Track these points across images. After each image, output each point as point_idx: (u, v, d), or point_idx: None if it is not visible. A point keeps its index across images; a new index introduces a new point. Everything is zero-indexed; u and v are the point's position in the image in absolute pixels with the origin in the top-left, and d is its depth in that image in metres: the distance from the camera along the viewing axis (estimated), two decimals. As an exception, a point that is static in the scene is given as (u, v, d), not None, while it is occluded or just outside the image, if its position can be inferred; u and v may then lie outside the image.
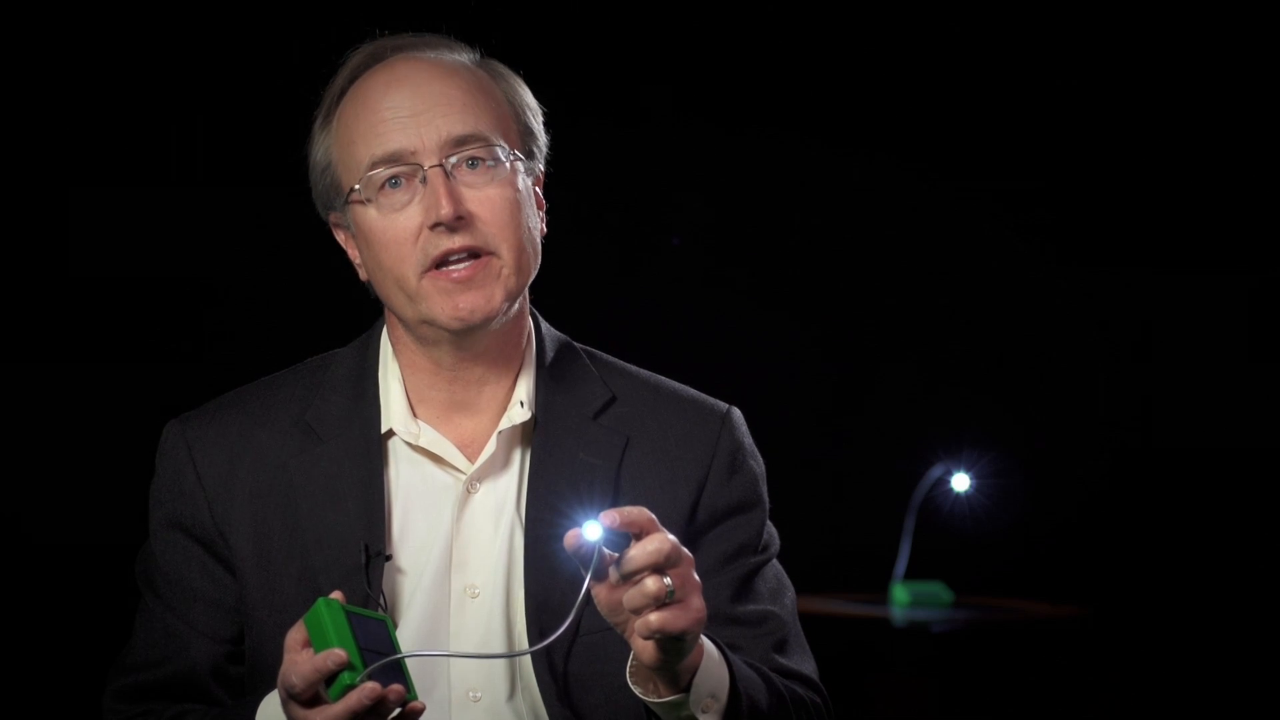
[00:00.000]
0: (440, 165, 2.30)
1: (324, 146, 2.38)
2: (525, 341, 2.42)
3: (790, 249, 5.63)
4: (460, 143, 2.31)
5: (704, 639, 2.20)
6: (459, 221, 2.29)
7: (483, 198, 2.31)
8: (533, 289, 2.42)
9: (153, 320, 4.74)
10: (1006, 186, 5.59)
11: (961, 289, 5.63)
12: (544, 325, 2.46)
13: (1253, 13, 5.32)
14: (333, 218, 2.41)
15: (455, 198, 2.29)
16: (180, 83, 4.71)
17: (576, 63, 5.10)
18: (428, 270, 2.31)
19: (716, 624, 2.35)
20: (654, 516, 2.09)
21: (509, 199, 2.32)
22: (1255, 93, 5.38)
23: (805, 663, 2.42)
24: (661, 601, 2.07)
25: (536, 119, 2.40)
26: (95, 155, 4.67)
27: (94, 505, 4.54)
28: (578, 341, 2.50)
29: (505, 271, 2.32)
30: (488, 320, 2.32)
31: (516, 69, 2.43)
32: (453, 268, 2.31)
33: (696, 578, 2.11)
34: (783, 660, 2.39)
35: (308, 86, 2.44)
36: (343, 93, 2.37)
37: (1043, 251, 5.59)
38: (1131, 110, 5.48)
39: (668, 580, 2.07)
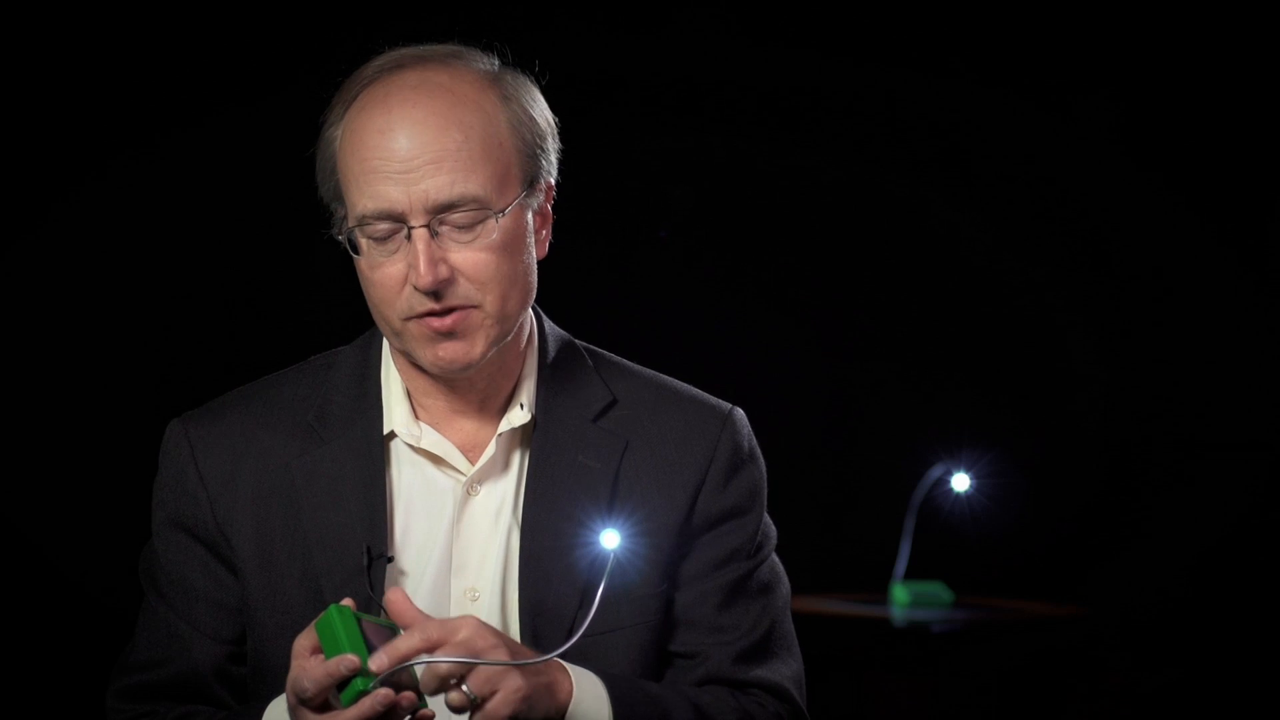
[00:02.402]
0: (426, 227, 2.26)
1: (330, 150, 2.33)
2: (526, 342, 2.41)
3: (790, 248, 5.63)
4: (449, 208, 2.26)
5: (592, 676, 2.21)
6: (440, 284, 2.26)
7: (468, 256, 2.27)
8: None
9: (153, 320, 4.74)
10: (1006, 186, 5.59)
11: (962, 289, 5.62)
12: (547, 324, 2.45)
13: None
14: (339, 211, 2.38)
15: (434, 264, 2.25)
16: (180, 82, 4.72)
17: (570, 55, 5.10)
18: (409, 319, 2.29)
19: (698, 631, 2.36)
20: (427, 638, 2.09)
21: (495, 257, 2.27)
22: (1251, 91, 5.38)
23: (780, 667, 2.41)
24: (472, 707, 2.09)
25: (547, 138, 2.35)
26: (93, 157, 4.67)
27: (94, 505, 4.54)
28: (577, 339, 2.48)
29: (488, 323, 2.29)
30: (468, 368, 2.31)
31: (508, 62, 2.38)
32: (434, 318, 2.28)
33: (501, 655, 2.11)
34: (749, 671, 2.38)
35: (319, 84, 2.42)
36: (355, 98, 2.32)
37: (1043, 251, 5.59)
38: (1130, 107, 5.47)
39: (465, 688, 2.09)
